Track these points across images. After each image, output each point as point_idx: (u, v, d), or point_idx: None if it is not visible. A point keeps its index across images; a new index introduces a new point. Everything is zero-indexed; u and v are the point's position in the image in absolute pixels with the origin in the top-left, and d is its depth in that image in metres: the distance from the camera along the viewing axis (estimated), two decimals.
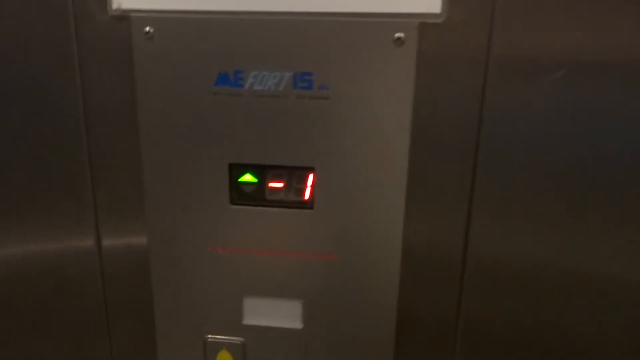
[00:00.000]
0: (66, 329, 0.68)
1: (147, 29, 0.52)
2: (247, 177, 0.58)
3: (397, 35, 0.50)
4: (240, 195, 0.58)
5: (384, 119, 0.53)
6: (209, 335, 0.64)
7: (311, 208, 0.57)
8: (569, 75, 0.51)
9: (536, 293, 0.60)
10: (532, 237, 0.57)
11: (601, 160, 0.54)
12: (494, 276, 0.60)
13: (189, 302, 0.63)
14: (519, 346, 0.62)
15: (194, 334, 0.64)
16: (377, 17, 0.50)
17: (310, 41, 0.51)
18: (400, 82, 0.52)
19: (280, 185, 0.58)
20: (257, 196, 0.58)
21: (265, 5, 0.51)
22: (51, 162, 0.61)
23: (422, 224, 0.58)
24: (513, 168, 0.55)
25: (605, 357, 0.62)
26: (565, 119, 0.53)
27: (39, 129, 0.59)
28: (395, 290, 0.60)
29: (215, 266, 0.61)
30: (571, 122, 0.53)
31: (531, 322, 0.61)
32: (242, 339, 0.64)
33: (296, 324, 0.63)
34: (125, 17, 0.53)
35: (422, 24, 0.50)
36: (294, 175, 0.57)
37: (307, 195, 0.57)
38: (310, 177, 0.57)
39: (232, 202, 0.58)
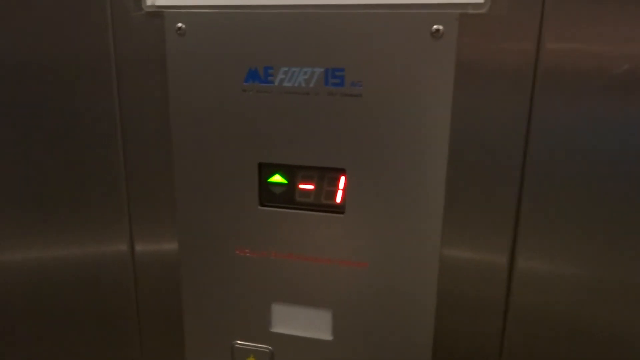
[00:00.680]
0: (98, 331, 0.69)
1: (179, 25, 0.52)
2: (277, 178, 0.56)
3: (435, 27, 0.47)
4: (269, 196, 0.56)
5: (420, 117, 0.50)
6: (237, 341, 0.62)
7: (342, 212, 0.55)
8: (632, 70, 0.46)
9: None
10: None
11: None
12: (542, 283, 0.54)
13: (217, 306, 0.61)
14: None
15: (222, 339, 0.63)
16: (413, 7, 0.47)
17: (342, 35, 0.49)
18: (438, 78, 0.48)
19: (310, 187, 0.55)
20: (286, 198, 0.56)
21: (296, 0, 0.49)
22: (87, 167, 0.62)
23: (462, 231, 0.54)
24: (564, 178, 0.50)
25: None
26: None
27: (74, 133, 0.61)
28: (433, 303, 0.56)
29: (242, 269, 0.59)
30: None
31: None
32: (270, 347, 0.62)
33: (326, 335, 0.60)
34: (158, 14, 0.53)
35: (463, 15, 0.47)
36: (325, 176, 0.54)
37: (338, 199, 0.55)
38: (342, 179, 0.54)
39: (261, 203, 0.56)
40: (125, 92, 0.58)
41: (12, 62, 0.58)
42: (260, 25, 0.50)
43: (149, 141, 0.59)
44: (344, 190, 0.54)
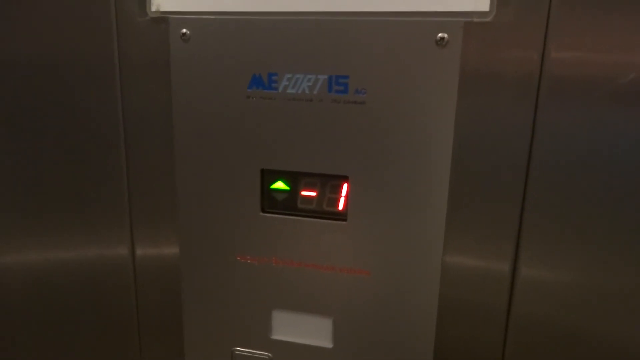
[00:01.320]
0: (98, 336, 0.69)
1: (184, 30, 0.52)
2: (279, 185, 0.55)
3: (440, 35, 0.47)
4: (271, 203, 0.56)
5: (424, 125, 0.49)
6: (237, 348, 0.62)
7: (345, 220, 0.54)
8: (637, 79, 0.45)
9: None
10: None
11: None
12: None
13: (217, 312, 0.61)
14: None
15: (221, 345, 0.62)
16: (418, 15, 0.47)
17: (346, 42, 0.49)
18: (442, 86, 0.48)
19: (313, 194, 0.55)
20: (289, 204, 0.56)
21: (300, 6, 0.49)
22: (89, 171, 0.62)
23: (465, 239, 0.53)
24: (567, 191, 0.50)
25: None
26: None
27: (77, 137, 0.61)
28: (434, 311, 0.55)
29: (243, 276, 0.59)
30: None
31: None
32: (270, 355, 0.61)
33: (326, 342, 0.59)
34: (163, 19, 0.53)
35: (468, 24, 0.46)
36: (328, 183, 0.54)
37: (340, 206, 0.54)
38: (345, 186, 0.54)
39: (263, 209, 0.56)
40: (129, 97, 0.58)
41: (16, 65, 0.59)
42: (265, 32, 0.50)
43: (152, 146, 0.59)
44: (347, 197, 0.54)
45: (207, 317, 0.62)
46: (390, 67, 0.48)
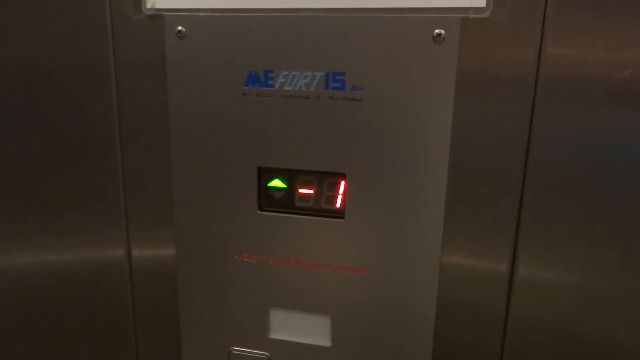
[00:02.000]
0: (94, 337, 0.68)
1: (179, 28, 0.52)
2: (276, 182, 0.55)
3: (436, 31, 0.47)
4: (268, 201, 0.56)
5: (421, 122, 0.49)
6: (234, 347, 0.62)
7: (342, 217, 0.54)
8: (633, 75, 0.45)
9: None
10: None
11: None
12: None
13: (214, 311, 0.61)
14: None
15: (219, 345, 0.62)
16: (414, 12, 0.47)
17: (343, 39, 0.49)
18: (439, 82, 0.48)
19: (310, 192, 0.55)
20: (286, 203, 0.55)
21: (296, 3, 0.49)
22: (84, 171, 0.61)
23: (463, 238, 0.53)
24: (565, 180, 0.50)
25: None
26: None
27: (72, 137, 0.60)
28: (432, 310, 0.55)
29: (241, 275, 0.58)
30: None
31: None
32: (267, 354, 0.61)
33: (325, 341, 0.59)
34: (158, 17, 0.53)
35: (465, 20, 0.46)
36: (325, 181, 0.54)
37: (338, 204, 0.54)
38: (342, 184, 0.53)
39: (261, 208, 0.56)
40: (124, 96, 0.57)
41: (10, 65, 0.58)
42: (261, 29, 0.50)
43: (148, 145, 0.59)
44: (344, 195, 0.54)
45: (204, 317, 0.61)
46: (387, 63, 0.48)
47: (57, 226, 0.64)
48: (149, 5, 0.53)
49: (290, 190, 0.55)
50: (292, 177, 0.55)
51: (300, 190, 0.55)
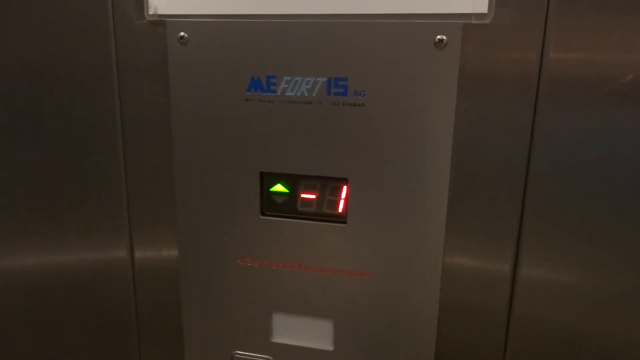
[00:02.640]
0: (97, 339, 0.68)
1: (182, 34, 0.52)
2: (279, 187, 0.55)
3: (438, 37, 0.47)
4: (271, 205, 0.56)
5: (423, 127, 0.49)
6: (237, 351, 0.62)
7: (345, 222, 0.54)
8: (636, 78, 0.45)
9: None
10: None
11: None
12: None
13: (217, 315, 0.61)
14: None
15: (221, 348, 0.62)
16: (416, 17, 0.47)
17: (345, 45, 0.49)
18: (441, 88, 0.48)
19: (312, 196, 0.55)
20: (288, 207, 0.56)
21: (298, 8, 0.49)
22: (87, 174, 0.61)
23: (465, 241, 0.53)
24: (568, 187, 0.50)
25: None
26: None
27: (76, 140, 0.60)
28: (435, 313, 0.55)
29: (244, 279, 0.58)
30: None
31: None
32: (270, 358, 0.61)
33: (327, 345, 0.59)
34: (161, 23, 0.53)
35: (467, 25, 0.46)
36: (327, 186, 0.54)
37: (340, 208, 0.54)
38: (344, 188, 0.53)
39: (263, 212, 0.56)
40: (127, 100, 0.58)
41: (14, 68, 0.58)
42: (263, 34, 0.50)
43: (150, 149, 0.59)
44: (346, 199, 0.54)
45: (207, 320, 0.62)
46: (389, 69, 0.48)
47: (60, 228, 0.64)
48: (151, 11, 0.53)
49: (293, 195, 0.55)
50: (295, 182, 0.55)
51: (303, 195, 0.55)
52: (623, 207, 0.49)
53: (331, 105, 0.51)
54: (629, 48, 0.45)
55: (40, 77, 0.58)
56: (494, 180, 0.51)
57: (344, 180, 0.53)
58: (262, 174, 0.55)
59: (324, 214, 0.55)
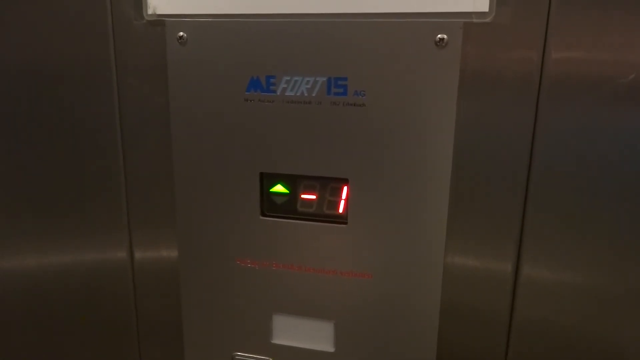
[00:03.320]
0: (97, 340, 0.68)
1: (181, 33, 0.52)
2: (279, 188, 0.55)
3: (439, 36, 0.46)
4: (271, 206, 0.56)
5: (424, 127, 0.49)
6: (237, 353, 0.62)
7: (345, 223, 0.54)
8: (638, 78, 0.45)
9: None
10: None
11: None
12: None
13: (217, 316, 0.61)
14: None
15: (222, 350, 0.62)
16: (417, 17, 0.47)
17: (345, 44, 0.48)
18: (442, 87, 0.48)
19: (312, 197, 0.54)
20: (288, 208, 0.55)
21: (298, 8, 0.49)
22: (87, 174, 0.61)
23: (467, 241, 0.53)
24: (569, 189, 0.49)
25: None
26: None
27: (75, 141, 0.60)
28: (436, 314, 0.55)
29: (244, 280, 0.58)
30: None
31: None
32: (270, 359, 0.61)
33: (328, 346, 0.59)
34: (160, 22, 0.53)
35: (468, 24, 0.46)
36: (327, 186, 0.54)
37: (341, 209, 0.54)
38: (345, 189, 0.53)
39: (263, 213, 0.56)
40: (126, 101, 0.57)
41: (13, 69, 0.58)
42: (262, 34, 0.50)
43: (150, 149, 0.59)
44: (347, 200, 0.53)
45: (207, 322, 0.61)
46: (389, 68, 0.48)
47: (60, 229, 0.64)
48: (150, 11, 0.53)
49: (293, 195, 0.55)
50: (295, 182, 0.54)
51: (303, 196, 0.55)
52: (625, 207, 0.49)
53: (331, 105, 0.50)
54: (631, 47, 0.45)
55: (39, 78, 0.58)
56: (495, 180, 0.51)
57: (345, 181, 0.53)
58: (262, 174, 0.54)
59: (324, 214, 0.55)
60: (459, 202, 0.51)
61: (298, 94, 0.51)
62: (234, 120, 0.53)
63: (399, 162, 0.51)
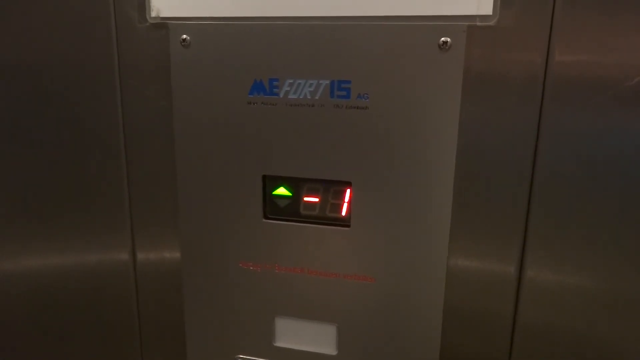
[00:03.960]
0: (99, 342, 0.68)
1: (184, 36, 0.52)
2: (281, 191, 0.55)
3: (442, 39, 0.46)
4: (273, 209, 0.56)
5: (427, 130, 0.49)
6: (240, 355, 0.61)
7: (348, 226, 0.54)
8: None
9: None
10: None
11: None
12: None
13: (219, 318, 0.61)
14: None
15: (224, 352, 0.62)
16: (420, 20, 0.46)
17: (348, 47, 0.48)
18: (446, 90, 0.48)
19: (315, 200, 0.54)
20: (291, 211, 0.55)
21: (301, 11, 0.49)
22: (90, 176, 0.61)
23: (470, 244, 0.53)
24: (572, 195, 0.49)
25: None
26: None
27: (78, 142, 0.60)
28: (439, 318, 0.54)
29: (246, 282, 0.58)
30: None
31: None
32: None
33: (330, 349, 0.59)
34: (163, 25, 0.53)
35: (471, 27, 0.46)
36: (330, 189, 0.54)
37: (343, 212, 0.54)
38: (347, 192, 0.53)
39: (266, 216, 0.56)
40: (129, 103, 0.57)
41: (16, 71, 0.58)
42: (266, 37, 0.50)
43: (153, 152, 0.59)
44: (350, 203, 0.53)
45: (210, 324, 0.61)
46: (392, 71, 0.48)
47: (62, 230, 0.64)
48: (153, 14, 0.53)
49: (296, 198, 0.55)
50: (298, 185, 0.54)
51: (306, 199, 0.55)
52: (629, 210, 0.48)
53: (334, 108, 0.50)
54: (635, 50, 0.45)
55: (42, 80, 0.58)
56: (499, 183, 0.51)
57: (347, 184, 0.53)
58: (264, 177, 0.54)
59: (327, 217, 0.55)
60: (462, 205, 0.51)
61: (301, 97, 0.51)
62: (236, 123, 0.53)
63: (402, 165, 0.51)
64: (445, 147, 0.49)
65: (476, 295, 0.54)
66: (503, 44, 0.47)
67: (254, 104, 0.52)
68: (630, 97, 0.46)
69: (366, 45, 0.48)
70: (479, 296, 0.54)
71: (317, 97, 0.50)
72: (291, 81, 0.50)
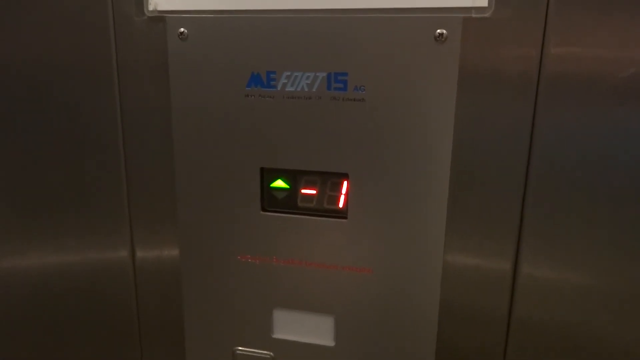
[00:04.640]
0: (98, 338, 0.68)
1: (181, 29, 0.52)
2: (279, 183, 0.55)
3: (438, 31, 0.47)
4: (271, 201, 0.56)
5: (423, 122, 0.49)
6: (238, 347, 0.62)
7: (345, 217, 0.54)
8: (637, 73, 0.45)
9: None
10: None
11: None
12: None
13: (218, 312, 0.61)
14: None
15: (223, 345, 0.62)
16: (416, 12, 0.47)
17: (345, 40, 0.49)
18: (441, 82, 0.48)
19: (313, 192, 0.55)
20: (289, 203, 0.56)
21: (298, 4, 0.49)
22: (88, 172, 0.61)
23: (466, 238, 0.53)
24: (568, 188, 0.49)
25: None
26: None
27: (75, 138, 0.60)
28: (435, 310, 0.55)
29: (244, 275, 0.58)
30: None
31: None
32: (271, 353, 0.61)
33: (328, 341, 0.59)
34: (160, 19, 0.53)
35: (467, 19, 0.46)
36: (328, 181, 0.54)
37: (341, 204, 0.54)
38: (345, 184, 0.53)
39: (263, 208, 0.56)
40: (127, 97, 0.58)
41: (13, 67, 0.58)
42: (263, 30, 0.50)
43: (151, 146, 0.59)
44: (347, 195, 0.54)
45: (208, 317, 0.62)
46: (389, 63, 0.48)
47: (61, 228, 0.64)
48: (151, 7, 0.53)
49: (293, 190, 0.55)
50: (295, 177, 0.55)
51: (303, 191, 0.55)
52: (624, 205, 0.49)
53: (331, 100, 0.50)
54: (630, 43, 0.45)
55: (39, 75, 0.58)
56: (494, 176, 0.51)
57: (345, 176, 0.53)
58: (262, 169, 0.55)
59: (324, 209, 0.55)
60: (458, 197, 0.52)
61: (298, 90, 0.51)
62: (234, 116, 0.53)
63: (398, 157, 0.51)
64: (442, 138, 0.50)
65: (472, 289, 0.55)
66: (498, 36, 0.47)
67: (251, 96, 0.52)
68: (625, 90, 0.46)
69: (363, 37, 0.48)
70: (475, 290, 0.55)
71: (314, 90, 0.51)
72: (288, 74, 0.51)
